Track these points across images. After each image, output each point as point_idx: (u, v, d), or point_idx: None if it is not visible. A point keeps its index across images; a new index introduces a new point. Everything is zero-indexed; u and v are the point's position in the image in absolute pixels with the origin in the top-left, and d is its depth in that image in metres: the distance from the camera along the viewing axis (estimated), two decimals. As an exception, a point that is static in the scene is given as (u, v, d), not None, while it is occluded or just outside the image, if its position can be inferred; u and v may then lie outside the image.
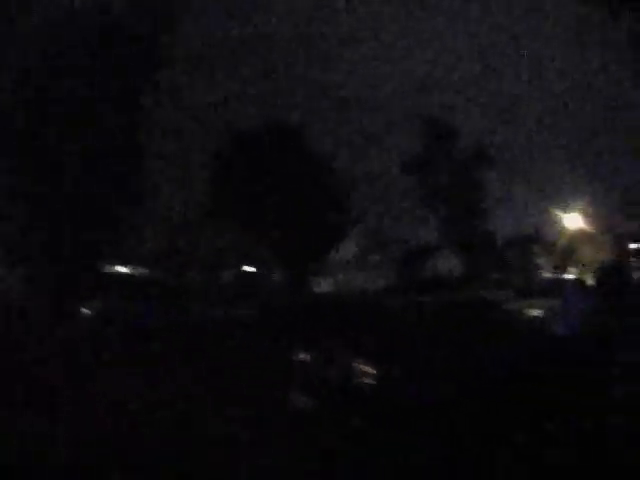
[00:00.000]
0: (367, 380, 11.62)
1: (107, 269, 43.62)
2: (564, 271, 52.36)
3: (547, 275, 51.37)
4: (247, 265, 59.19)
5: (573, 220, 53.29)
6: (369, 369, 11.73)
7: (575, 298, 17.61)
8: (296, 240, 48.76)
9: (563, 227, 55.09)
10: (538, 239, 62.85)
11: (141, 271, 49.95)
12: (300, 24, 59.32)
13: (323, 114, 54.94)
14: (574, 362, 11.35)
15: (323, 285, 54.34)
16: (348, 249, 57.30)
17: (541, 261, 61.77)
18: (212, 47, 50.03)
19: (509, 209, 61.60)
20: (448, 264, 56.69)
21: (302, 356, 13.44)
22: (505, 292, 33.83)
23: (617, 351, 10.69)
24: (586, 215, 52.73)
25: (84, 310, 29.23)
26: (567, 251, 56.18)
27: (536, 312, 23.07)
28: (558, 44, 61.64)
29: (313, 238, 49.76)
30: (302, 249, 49.48)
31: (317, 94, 57.21)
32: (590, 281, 28.02)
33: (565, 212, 53.05)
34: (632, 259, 48.47)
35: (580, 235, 55.29)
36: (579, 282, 23.14)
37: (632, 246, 54.70)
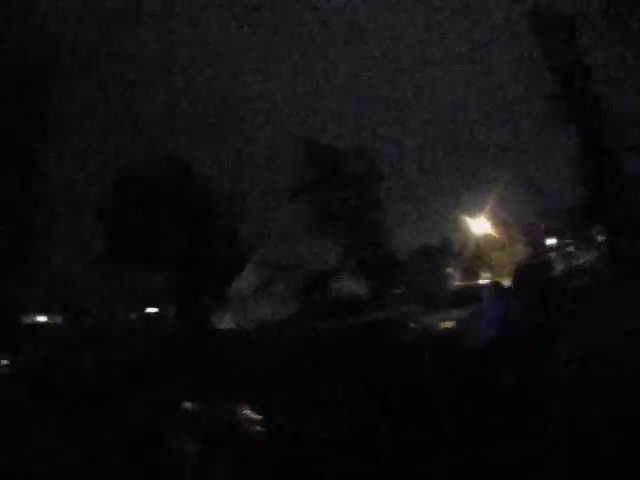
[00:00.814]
0: (252, 427, 11.19)
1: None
2: (477, 278, 50.80)
3: (459, 284, 49.49)
4: (150, 306, 57.14)
5: (480, 225, 50.92)
6: (253, 415, 11.32)
7: (493, 303, 18.50)
8: (191, 276, 47.91)
9: (471, 234, 52.84)
10: (446, 249, 62.31)
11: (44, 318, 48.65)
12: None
13: (205, 142, 53.84)
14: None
15: (225, 319, 51.85)
16: (248, 281, 54.89)
17: (451, 271, 60.39)
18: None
19: (411, 222, 60.34)
20: (353, 286, 53.83)
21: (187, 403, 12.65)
22: (415, 307, 32.70)
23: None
24: (493, 218, 51.26)
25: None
26: (478, 257, 55.20)
27: (449, 324, 20.32)
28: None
29: (208, 272, 48.29)
30: (198, 285, 48.05)
31: (198, 122, 55.49)
32: (506, 284, 26.63)
33: (471, 218, 51.42)
34: (548, 255, 47.18)
35: (489, 239, 53.07)
36: (495, 286, 22.28)
37: (547, 242, 55.53)
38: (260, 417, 11.39)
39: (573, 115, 44.48)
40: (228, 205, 52.53)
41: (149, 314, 56.30)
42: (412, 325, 21.39)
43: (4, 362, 29.86)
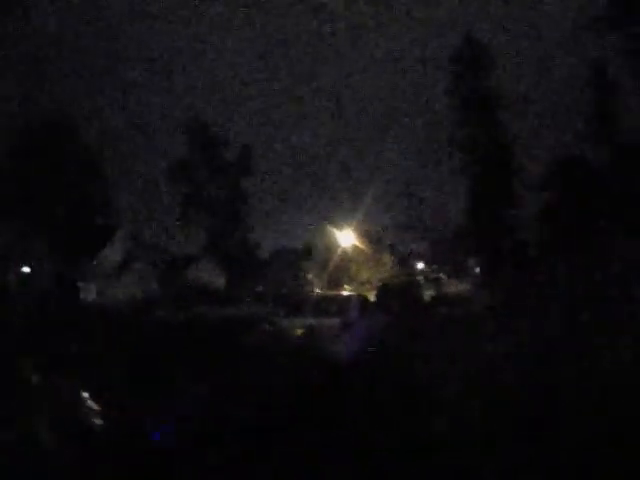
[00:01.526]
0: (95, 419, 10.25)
1: None
2: (338, 288, 50.87)
3: (320, 292, 49.28)
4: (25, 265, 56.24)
5: (348, 237, 51.05)
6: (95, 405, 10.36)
7: (358, 316, 19.98)
8: (64, 240, 47.91)
9: (336, 243, 53.05)
10: (308, 254, 62.48)
11: None
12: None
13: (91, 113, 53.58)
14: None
15: (91, 291, 51.16)
16: (114, 256, 54.23)
17: (313, 277, 60.50)
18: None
19: (279, 223, 60.76)
20: (210, 275, 53.58)
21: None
22: (271, 308, 32.30)
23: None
24: (362, 233, 51.52)
25: None
26: (341, 268, 55.34)
27: (301, 331, 19.91)
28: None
29: (80, 239, 48.63)
30: (70, 249, 48.29)
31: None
32: (371, 298, 26.48)
33: (339, 228, 50.85)
34: (418, 278, 47.66)
35: (356, 252, 53.33)
36: (362, 299, 22.33)
37: (419, 265, 56.37)
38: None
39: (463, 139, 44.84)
40: (102, 179, 52.56)
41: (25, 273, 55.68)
42: (266, 326, 20.70)
43: None
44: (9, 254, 51.99)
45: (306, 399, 10.10)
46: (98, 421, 10.05)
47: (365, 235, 52.56)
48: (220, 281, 55.43)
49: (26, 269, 54.23)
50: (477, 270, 47.38)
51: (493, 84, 44.42)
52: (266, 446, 8.82)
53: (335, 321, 19.63)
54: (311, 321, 20.35)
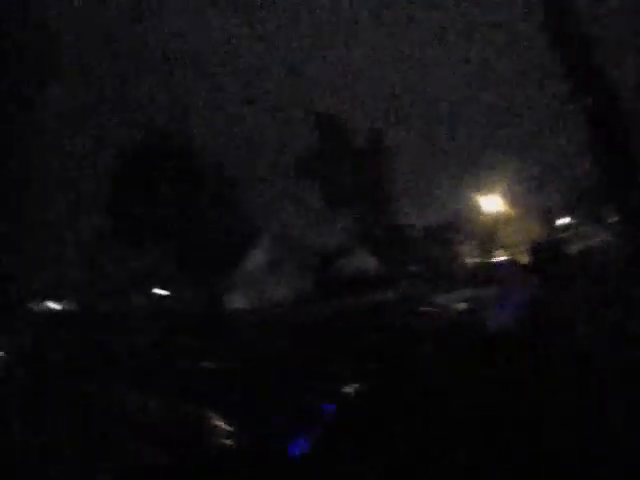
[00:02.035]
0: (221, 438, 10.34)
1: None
2: (491, 255, 50.37)
3: (474, 262, 49.05)
4: (157, 287, 56.97)
5: (494, 201, 50.33)
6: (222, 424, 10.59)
7: (511, 282, 19.66)
8: (201, 256, 45.79)
9: (485, 210, 52.36)
10: (460, 226, 61.71)
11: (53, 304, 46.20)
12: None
13: (210, 120, 53.41)
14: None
15: (237, 300, 51.69)
16: (259, 260, 54.74)
17: (465, 249, 59.90)
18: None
19: (424, 198, 59.82)
20: (363, 265, 53.78)
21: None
22: (428, 287, 31.48)
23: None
24: (507, 195, 50.80)
25: None
26: (492, 234, 54.82)
27: (464, 305, 19.69)
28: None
29: (218, 252, 46.74)
30: (208, 265, 46.17)
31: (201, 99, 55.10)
32: (523, 262, 26.28)
33: (485, 194, 50.22)
34: (561, 235, 46.66)
35: (503, 216, 52.63)
36: (513, 264, 22.54)
37: (561, 221, 55.15)
38: (227, 429, 10.90)
39: (587, 93, 43.82)
40: (237, 183, 50.91)
41: (157, 295, 56.51)
42: (424, 308, 20.83)
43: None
44: (137, 278, 53.90)
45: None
46: (227, 441, 10.34)
47: (510, 199, 51.82)
48: (375, 267, 55.63)
49: (160, 291, 55.47)
50: (612, 220, 46.21)
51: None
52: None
53: (492, 291, 19.67)
54: (469, 294, 20.34)
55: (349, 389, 12.36)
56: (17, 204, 40.76)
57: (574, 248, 32.91)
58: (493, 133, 58.41)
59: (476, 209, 53.81)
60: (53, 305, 47.93)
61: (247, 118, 55.82)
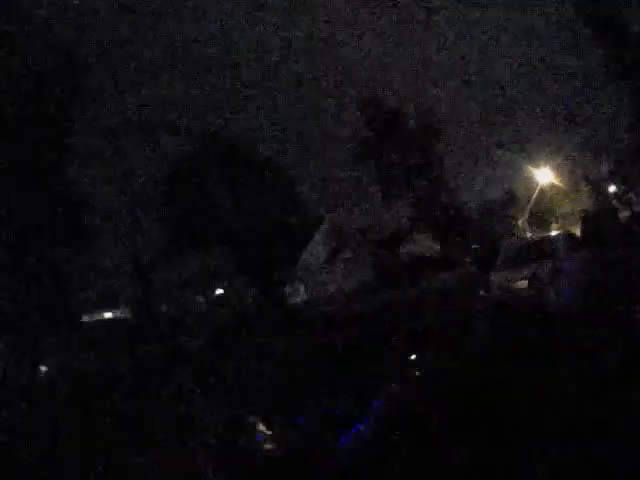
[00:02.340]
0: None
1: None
2: (546, 228, 50.46)
3: (529, 236, 49.05)
4: (219, 288, 57.59)
5: (545, 175, 50.55)
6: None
7: (567, 255, 19.00)
8: (260, 252, 47.04)
9: (537, 183, 52.27)
10: (514, 201, 61.55)
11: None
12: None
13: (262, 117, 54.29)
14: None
15: (300, 292, 52.13)
16: (321, 250, 55.19)
17: (521, 222, 59.76)
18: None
19: (475, 177, 60.07)
20: (423, 247, 54.49)
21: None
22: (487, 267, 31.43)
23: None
24: (558, 168, 50.71)
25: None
26: (545, 207, 54.72)
27: (523, 283, 19.73)
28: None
29: (276, 247, 47.84)
30: (267, 261, 47.62)
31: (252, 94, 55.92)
32: (577, 232, 26.31)
33: (535, 168, 50.59)
34: (614, 203, 46.81)
35: (555, 189, 52.42)
36: (567, 236, 22.70)
37: (610, 189, 54.87)
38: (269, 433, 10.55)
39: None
40: (290, 179, 52.14)
41: (220, 296, 57.19)
42: (482, 292, 20.84)
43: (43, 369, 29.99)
44: (193, 281, 54.74)
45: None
46: (270, 446, 10.27)
47: (559, 170, 51.52)
48: (436, 248, 55.10)
49: (219, 291, 55.75)
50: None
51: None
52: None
53: (547, 265, 19.00)
54: (528, 269, 20.21)
55: (414, 373, 12.14)
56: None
57: (624, 214, 32.81)
58: (538, 107, 58.67)
59: (528, 185, 53.88)
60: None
61: (298, 111, 56.72)
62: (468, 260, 42.30)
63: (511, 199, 61.98)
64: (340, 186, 56.98)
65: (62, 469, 11.43)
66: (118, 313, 50.28)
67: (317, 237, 55.59)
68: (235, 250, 48.21)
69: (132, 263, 49.40)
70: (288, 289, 51.57)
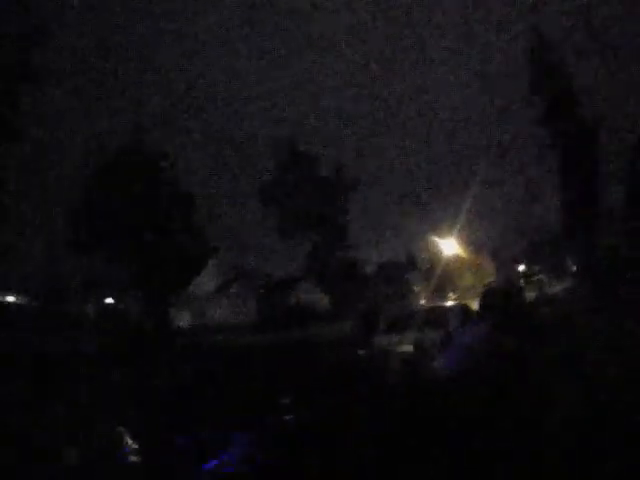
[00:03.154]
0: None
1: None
2: (443, 298, 50.13)
3: (426, 304, 48.61)
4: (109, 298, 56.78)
5: (450, 245, 50.04)
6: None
7: (460, 326, 19.64)
8: (154, 271, 46.48)
9: (440, 253, 52.12)
10: (413, 266, 61.65)
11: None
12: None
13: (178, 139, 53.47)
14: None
15: (184, 317, 51.57)
16: (210, 281, 54.30)
17: (418, 289, 59.59)
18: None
19: (379, 237, 59.88)
20: (312, 296, 53.28)
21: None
22: (377, 326, 30.79)
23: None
24: (464, 240, 50.72)
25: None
26: (446, 277, 54.59)
27: (408, 348, 19.09)
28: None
29: (171, 269, 47.19)
30: (160, 280, 46.93)
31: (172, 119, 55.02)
32: (474, 306, 25.76)
33: (441, 238, 50.00)
34: (520, 280, 46.86)
35: (459, 260, 52.48)
36: (463, 308, 21.79)
37: (519, 268, 55.46)
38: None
39: (558, 142, 43.74)
40: (196, 204, 51.18)
41: (108, 305, 56.07)
42: (361, 352, 20.30)
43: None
44: (90, 284, 53.77)
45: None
46: (135, 458, 10.31)
47: (467, 242, 51.87)
48: (324, 301, 54.61)
49: (109, 300, 55.08)
50: (574, 269, 46.41)
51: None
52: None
53: (439, 334, 19.29)
54: (416, 336, 19.90)
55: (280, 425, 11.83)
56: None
57: (530, 295, 32.83)
58: (456, 175, 58.75)
59: (431, 249, 53.99)
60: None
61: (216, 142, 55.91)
62: (355, 317, 41.69)
63: (411, 264, 62.14)
64: (239, 220, 56.11)
65: None
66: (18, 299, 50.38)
67: (209, 267, 53.76)
68: (130, 263, 47.45)
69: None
70: (174, 312, 50.54)
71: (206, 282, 54.31)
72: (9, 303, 48.31)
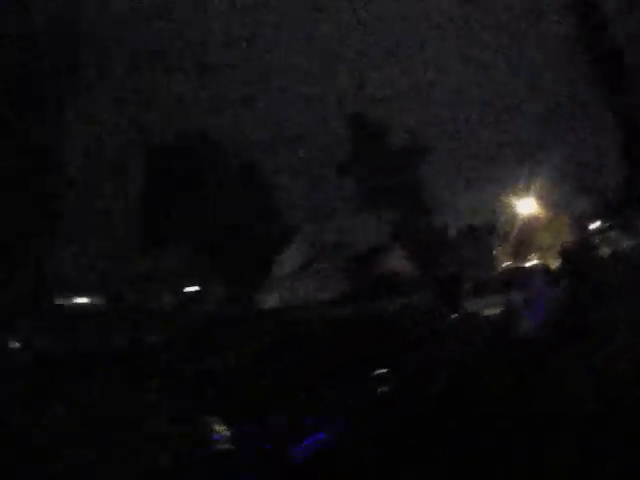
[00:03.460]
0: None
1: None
2: (523, 259, 49.98)
3: (506, 266, 48.62)
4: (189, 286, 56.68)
5: (527, 205, 51.05)
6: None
7: (541, 286, 18.99)
8: (234, 256, 47.49)
9: (518, 213, 52.81)
10: (493, 228, 60.98)
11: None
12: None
13: (249, 119, 53.18)
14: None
15: (272, 300, 51.51)
16: (293, 260, 54.66)
17: (498, 251, 59.22)
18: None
19: (457, 200, 59.40)
20: (398, 266, 54.03)
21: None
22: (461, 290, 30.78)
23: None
24: (540, 198, 50.25)
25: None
26: (525, 238, 54.20)
27: (494, 310, 19.44)
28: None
29: (251, 251, 48.46)
30: (241, 264, 47.98)
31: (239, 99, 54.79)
32: (554, 266, 26.04)
33: (517, 198, 51.12)
34: (593, 238, 46.52)
35: (536, 220, 52.08)
36: (544, 268, 21.64)
37: (592, 225, 54.48)
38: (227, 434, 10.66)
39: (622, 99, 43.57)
40: (272, 183, 52.47)
41: (188, 294, 56.49)
42: (454, 315, 20.55)
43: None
44: (167, 276, 53.05)
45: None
46: (224, 445, 10.52)
47: (543, 202, 51.37)
48: (408, 269, 54.31)
49: (191, 289, 55.33)
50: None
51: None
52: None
53: (520, 296, 18.78)
54: (500, 298, 19.97)
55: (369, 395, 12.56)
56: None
57: (605, 251, 32.56)
58: (530, 137, 58.32)
59: (510, 212, 53.49)
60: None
61: (289, 120, 55.96)
62: (439, 283, 41.48)
63: (491, 226, 61.47)
64: (316, 196, 55.85)
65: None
66: (89, 300, 48.59)
67: (292, 246, 54.64)
68: (209, 251, 47.95)
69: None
70: (260, 296, 50.96)
71: (289, 261, 54.77)
72: (82, 305, 47.94)
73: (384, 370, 13.11)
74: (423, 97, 60.75)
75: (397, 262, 55.23)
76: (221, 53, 53.49)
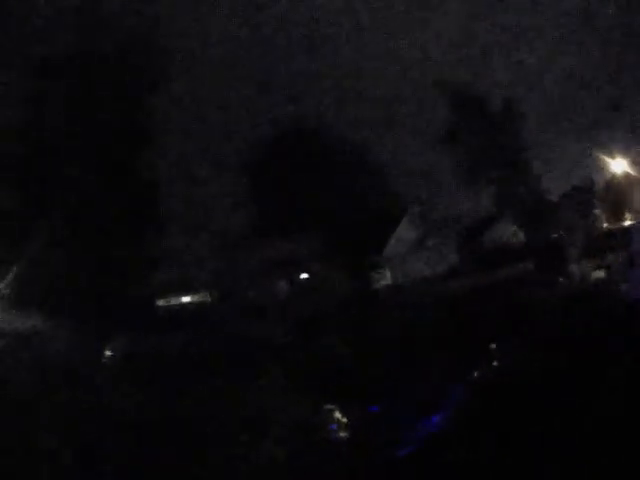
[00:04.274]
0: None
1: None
2: (621, 220, 50.79)
3: (606, 226, 49.73)
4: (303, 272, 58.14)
5: (622, 165, 51.52)
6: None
7: None
8: (348, 236, 48.56)
9: (613, 174, 53.63)
10: (591, 190, 60.97)
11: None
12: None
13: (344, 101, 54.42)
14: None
15: (386, 277, 54.02)
16: (405, 236, 56.93)
17: (597, 212, 59.75)
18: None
19: (556, 163, 59.96)
20: (507, 235, 56.30)
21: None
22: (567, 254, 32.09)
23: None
24: (634, 158, 51.58)
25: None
26: (621, 198, 55.27)
27: (600, 273, 21.45)
28: None
29: (364, 230, 49.69)
30: (355, 244, 48.99)
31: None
32: None
33: (612, 158, 51.16)
34: None
35: (632, 179, 52.82)
36: None
37: None
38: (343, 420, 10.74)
39: None
40: (378, 162, 53.79)
41: (303, 280, 57.23)
42: (561, 279, 21.23)
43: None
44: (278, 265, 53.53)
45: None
46: (344, 434, 10.45)
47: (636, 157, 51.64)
48: (519, 235, 56.31)
49: (303, 275, 55.89)
50: None
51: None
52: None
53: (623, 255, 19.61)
54: (601, 261, 21.41)
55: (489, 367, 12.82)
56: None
57: None
58: (622, 98, 59.00)
59: (609, 174, 53.83)
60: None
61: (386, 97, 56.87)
62: (546, 249, 42.48)
63: (590, 187, 61.23)
64: (422, 173, 56.89)
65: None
66: (196, 298, 50.59)
67: (403, 223, 56.13)
68: (324, 234, 49.05)
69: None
70: (374, 275, 52.74)
71: (402, 238, 55.64)
72: (187, 303, 48.50)
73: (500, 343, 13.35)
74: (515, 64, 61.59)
75: (505, 231, 57.13)
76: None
